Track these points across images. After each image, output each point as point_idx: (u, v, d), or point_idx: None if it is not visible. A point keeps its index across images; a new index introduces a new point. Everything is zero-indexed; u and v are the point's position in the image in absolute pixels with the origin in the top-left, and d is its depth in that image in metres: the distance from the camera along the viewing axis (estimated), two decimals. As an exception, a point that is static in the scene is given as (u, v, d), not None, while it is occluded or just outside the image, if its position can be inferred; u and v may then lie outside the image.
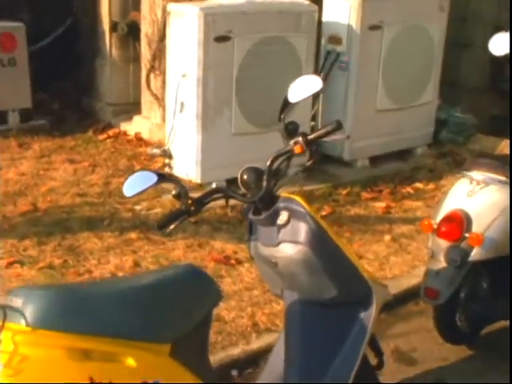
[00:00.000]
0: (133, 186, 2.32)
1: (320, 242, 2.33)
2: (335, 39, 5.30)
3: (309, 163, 2.45)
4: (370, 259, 4.04)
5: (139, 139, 5.93)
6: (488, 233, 2.95)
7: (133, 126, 6.09)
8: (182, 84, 4.64)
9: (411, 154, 5.88)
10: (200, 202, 2.33)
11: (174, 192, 2.35)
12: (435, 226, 3.05)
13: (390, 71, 5.42)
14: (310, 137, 2.36)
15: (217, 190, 2.43)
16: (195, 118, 4.61)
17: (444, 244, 3.00)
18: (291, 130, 2.41)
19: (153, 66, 5.81)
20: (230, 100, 4.65)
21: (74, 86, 6.58)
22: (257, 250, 2.43)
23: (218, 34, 4.48)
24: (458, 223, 2.97)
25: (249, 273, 3.76)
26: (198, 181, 4.74)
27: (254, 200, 2.37)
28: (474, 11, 7.06)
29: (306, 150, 2.36)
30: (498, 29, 7.25)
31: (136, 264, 3.75)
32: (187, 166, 4.78)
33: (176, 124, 4.76)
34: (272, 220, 2.35)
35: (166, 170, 4.95)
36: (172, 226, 2.31)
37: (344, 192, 5.05)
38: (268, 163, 2.39)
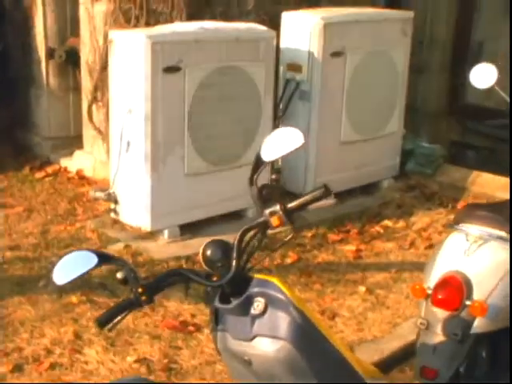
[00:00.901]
0: (66, 269, 1.83)
1: (305, 338, 1.87)
2: (295, 67, 4.87)
3: (287, 238, 1.98)
4: (345, 317, 3.59)
5: (82, 177, 5.39)
6: (491, 300, 2.52)
7: (74, 162, 5.54)
8: (127, 120, 4.13)
9: (377, 188, 5.48)
10: (153, 290, 1.85)
11: (119, 275, 1.86)
12: (429, 292, 2.61)
13: (354, 100, 5.03)
14: (291, 205, 1.90)
15: (174, 272, 1.95)
16: (143, 159, 4.10)
17: (441, 314, 2.56)
18: (266, 196, 1.94)
19: (95, 98, 5.29)
20: (181, 137, 4.16)
21: (7, 117, 5.97)
22: (225, 343, 1.95)
23: (168, 64, 4.00)
24: (457, 289, 2.54)
25: (210, 342, 3.25)
26: (148, 228, 4.22)
27: (220, 284, 1.90)
28: (431, 34, 6.76)
29: (286, 223, 1.89)
30: (456, 52, 7.13)
31: (77, 336, 3.21)
32: (135, 212, 4.26)
33: (122, 165, 4.24)
34: (244, 309, 1.89)
35: (112, 215, 4.42)
36: (116, 320, 1.82)
37: (309, 234, 4.60)
38: (237, 238, 1.92)
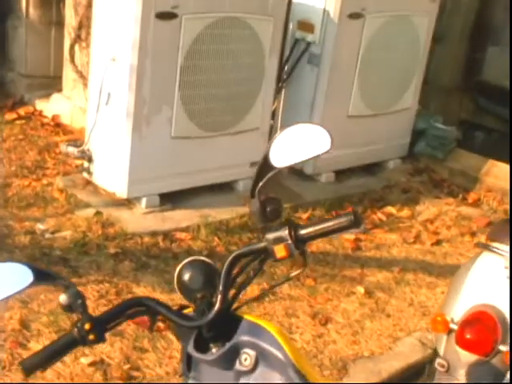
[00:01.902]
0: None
1: (307, 410, 1.39)
2: (307, 25, 4.30)
3: (294, 274, 1.47)
4: (339, 324, 3.12)
5: (57, 124, 4.84)
6: (530, 345, 2.06)
7: (51, 106, 4.98)
8: (110, 69, 3.56)
9: (382, 169, 4.98)
10: (104, 326, 1.36)
11: (62, 300, 1.38)
12: (453, 327, 2.13)
13: (368, 69, 4.48)
14: (304, 232, 1.38)
15: (136, 303, 1.45)
16: (125, 115, 3.55)
17: (467, 357, 2.09)
18: (271, 214, 1.43)
19: (79, 36, 4.71)
20: (171, 95, 3.61)
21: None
22: (199, 398, 1.46)
23: (162, 9, 3.42)
24: (489, 329, 2.06)
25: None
26: (124, 195, 3.70)
27: (198, 325, 1.41)
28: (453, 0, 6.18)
29: (294, 255, 1.39)
30: (479, 21, 6.56)
31: (23, 325, 2.71)
32: (111, 175, 3.73)
33: (100, 119, 3.69)
34: (228, 361, 1.40)
35: (85, 175, 3.89)
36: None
37: (305, 216, 4.10)
38: (226, 265, 1.42)
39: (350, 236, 4.01)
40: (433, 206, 4.58)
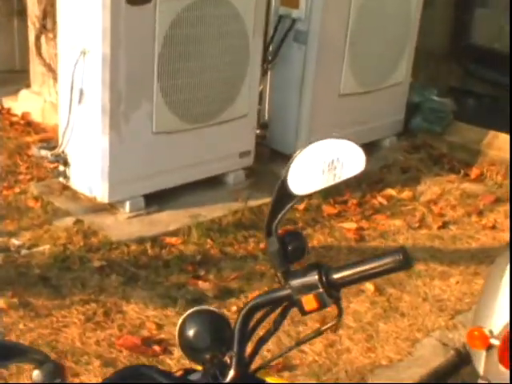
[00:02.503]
0: None
1: None
2: (291, 0, 3.97)
3: (329, 326, 1.17)
4: (351, 329, 2.85)
5: (28, 123, 4.50)
6: None
7: (20, 104, 4.64)
8: (80, 64, 3.23)
9: (378, 148, 4.69)
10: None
11: (36, 378, 1.09)
12: (494, 343, 1.87)
13: (359, 44, 4.17)
14: (338, 276, 1.09)
15: (132, 372, 1.17)
16: (100, 113, 3.23)
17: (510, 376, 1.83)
18: (292, 254, 1.14)
19: (44, 26, 4.35)
20: (149, 87, 3.29)
21: None
22: None
23: (133, -8, 3.09)
24: (537, 345, 1.80)
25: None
26: (106, 199, 3.39)
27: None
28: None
29: (326, 306, 1.10)
30: None
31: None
32: (90, 179, 3.41)
33: (73, 119, 3.37)
34: None
35: (61, 180, 3.57)
36: None
37: (301, 206, 3.82)
38: (241, 316, 1.14)
39: (351, 225, 3.75)
40: (434, 184, 4.31)
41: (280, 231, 1.14)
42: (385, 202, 4.07)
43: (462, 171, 4.50)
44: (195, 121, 3.53)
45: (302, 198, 1.13)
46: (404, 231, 3.76)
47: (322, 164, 1.10)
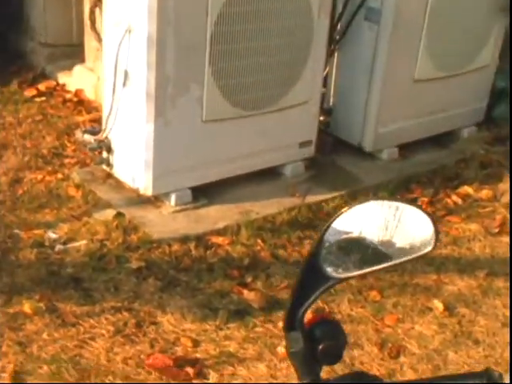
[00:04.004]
0: None
1: None
2: (363, -26, 3.56)
3: None
4: (414, 356, 2.49)
5: (80, 101, 4.27)
6: None
7: (74, 80, 4.42)
8: (125, 43, 2.94)
9: (454, 139, 4.25)
10: None
11: None
12: None
13: (439, 23, 3.71)
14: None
15: None
16: (145, 98, 2.94)
17: None
18: (323, 356, 0.81)
19: (98, -1, 4.07)
20: (200, 70, 2.97)
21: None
22: None
23: (184, -36, 2.76)
24: None
25: (216, 397, 2.21)
26: (149, 192, 3.11)
27: None
28: None
29: None
30: None
31: (17, 378, 2.17)
32: (133, 168, 3.14)
33: (117, 103, 3.09)
34: None
35: (104, 167, 3.31)
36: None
37: (365, 204, 3.45)
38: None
39: (420, 228, 3.36)
40: (518, 183, 3.85)
41: (306, 320, 0.81)
42: (460, 202, 3.65)
43: (550, 168, 4.02)
44: (250, 107, 3.20)
45: (339, 281, 0.79)
46: (481, 237, 3.34)
47: (372, 236, 0.76)
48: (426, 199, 3.61)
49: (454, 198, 3.68)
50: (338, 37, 3.68)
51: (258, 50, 3.09)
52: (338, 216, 0.79)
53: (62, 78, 4.49)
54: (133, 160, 3.11)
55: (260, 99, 3.22)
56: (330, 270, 0.78)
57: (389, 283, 2.89)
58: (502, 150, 4.20)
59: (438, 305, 2.76)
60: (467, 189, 3.78)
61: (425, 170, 3.87)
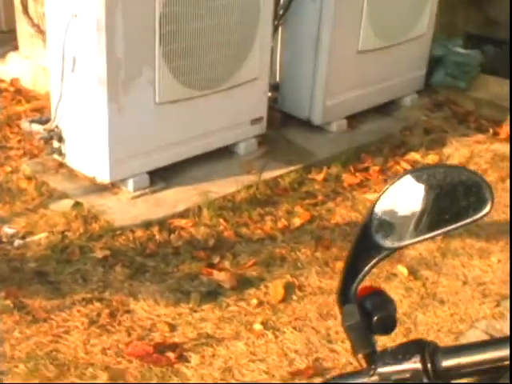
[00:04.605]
0: None
1: None
2: None
3: None
4: (386, 322, 2.56)
5: (18, 90, 4.14)
6: None
7: (8, 69, 4.28)
8: (72, 28, 2.85)
9: (398, 107, 4.34)
10: None
11: None
12: None
13: (379, -6, 3.77)
14: (450, 364, 0.76)
15: None
16: (97, 83, 2.87)
17: None
18: (378, 326, 0.81)
19: (30, -17, 3.94)
20: (151, 53, 2.92)
21: None
22: None
23: None
24: None
25: (199, 378, 2.21)
26: (107, 179, 3.05)
27: None
28: None
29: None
30: None
31: (-3, 378, 2.13)
32: (88, 156, 3.07)
33: (66, 90, 3.01)
34: None
35: (56, 157, 3.23)
36: None
37: (320, 177, 3.50)
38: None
39: (375, 196, 3.42)
40: (462, 146, 3.97)
41: (359, 292, 0.82)
42: (409, 168, 3.74)
43: (491, 130, 4.16)
44: (202, 87, 3.17)
45: (391, 251, 0.80)
46: (433, 201, 3.44)
47: (427, 202, 0.77)
48: (376, 168, 3.68)
49: (404, 164, 3.76)
50: (281, 11, 3.68)
51: (206, 30, 3.06)
52: (388, 188, 0.80)
53: (-4, 67, 4.34)
54: (87, 148, 3.05)
55: (211, 78, 3.20)
56: (382, 240, 0.79)
57: (352, 253, 2.94)
58: (443, 115, 4.32)
59: (402, 270, 2.83)
60: (414, 155, 3.87)
61: (373, 139, 3.94)
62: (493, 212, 2.95)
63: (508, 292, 2.75)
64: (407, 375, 0.76)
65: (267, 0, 3.30)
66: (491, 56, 5.51)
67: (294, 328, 2.47)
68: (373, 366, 0.79)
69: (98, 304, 2.46)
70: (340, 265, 2.86)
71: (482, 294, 2.74)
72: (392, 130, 4.08)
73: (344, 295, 0.81)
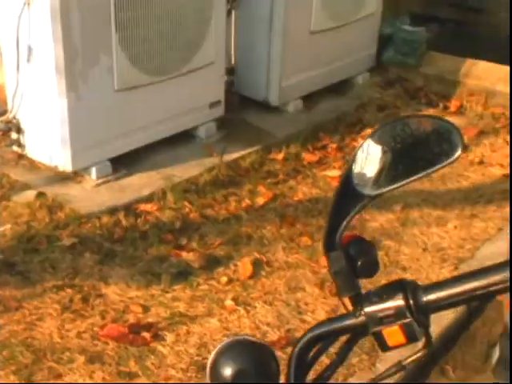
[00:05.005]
0: None
1: None
2: None
3: (414, 358, 0.91)
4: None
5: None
6: None
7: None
8: (24, 16, 2.84)
9: (351, 85, 4.43)
10: None
11: None
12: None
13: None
14: (430, 298, 0.83)
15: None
16: (55, 72, 2.87)
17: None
18: (362, 270, 0.88)
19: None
20: (107, 39, 2.93)
21: None
22: None
23: None
24: None
25: (176, 355, 2.25)
26: (69, 167, 3.06)
27: None
28: None
29: (416, 339, 0.84)
30: None
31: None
32: (49, 146, 3.07)
33: (23, 80, 3.00)
34: None
35: (15, 149, 3.22)
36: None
37: (280, 156, 3.56)
38: (297, 349, 0.88)
39: (334, 173, 3.51)
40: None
41: (343, 240, 0.88)
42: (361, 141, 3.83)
43: (441, 104, 4.29)
44: (160, 73, 3.20)
45: (372, 198, 0.86)
46: (389, 175, 3.54)
47: (402, 151, 0.83)
48: (334, 145, 3.76)
49: (360, 140, 3.84)
50: (233, -4, 3.72)
51: (161, 16, 3.08)
52: (369, 137, 0.86)
53: None
54: (48, 138, 3.04)
55: (168, 64, 3.22)
56: (363, 189, 0.85)
57: (316, 227, 3.02)
58: (395, 92, 4.42)
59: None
60: (370, 131, 3.94)
61: (329, 118, 4.01)
62: (447, 181, 3.09)
63: (465, 255, 2.87)
64: (391, 312, 0.82)
65: (219, -17, 3.33)
66: (436, 34, 5.65)
67: (265, 302, 2.53)
68: (359, 307, 0.85)
69: (69, 290, 2.47)
70: (305, 240, 2.94)
71: (441, 259, 2.85)
72: (347, 109, 4.16)
73: (329, 243, 0.87)
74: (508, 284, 0.78)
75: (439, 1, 5.70)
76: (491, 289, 0.79)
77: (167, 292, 2.54)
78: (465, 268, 2.82)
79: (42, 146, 3.09)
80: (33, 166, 3.17)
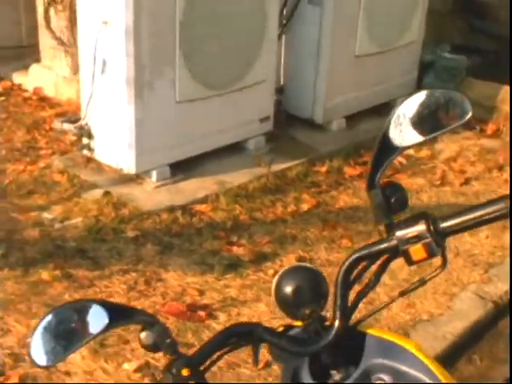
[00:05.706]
0: (53, 339, 1.02)
1: None
2: (304, -38, 3.94)
3: (434, 274, 1.18)
4: (388, 286, 2.88)
5: (41, 98, 4.46)
6: None
7: (31, 79, 4.60)
8: (102, 35, 3.20)
9: (391, 108, 4.64)
10: (203, 368, 1.08)
11: (145, 338, 1.07)
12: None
13: (373, 4, 4.14)
14: (445, 225, 1.10)
15: (234, 332, 1.17)
16: (124, 83, 3.21)
17: None
18: (395, 205, 1.15)
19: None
20: (172, 55, 3.27)
21: None
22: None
23: (153, -41, 3.06)
24: None
25: (228, 332, 2.52)
26: (133, 170, 3.39)
27: (317, 350, 1.14)
28: None
29: (434, 255, 1.12)
30: None
31: None
32: (115, 150, 3.41)
33: (96, 90, 3.35)
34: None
35: (85, 153, 3.56)
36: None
37: (323, 169, 3.84)
38: (343, 269, 1.14)
39: (374, 186, 3.76)
40: (452, 142, 4.33)
41: (381, 183, 1.15)
42: (404, 162, 4.08)
43: (478, 127, 4.52)
44: (217, 88, 3.52)
45: (403, 149, 1.13)
46: (427, 189, 3.79)
47: (422, 114, 1.11)
48: (374, 162, 4.01)
49: (399, 158, 4.10)
50: (284, 21, 4.04)
51: (220, 35, 3.41)
52: (402, 102, 1.13)
53: (17, 78, 4.66)
54: (115, 143, 3.38)
55: (225, 80, 3.55)
56: (395, 141, 1.12)
57: (356, 232, 3.28)
58: (434, 115, 4.67)
59: (401, 245, 3.16)
60: (408, 151, 4.21)
61: (370, 137, 4.26)
62: (481, 196, 3.32)
63: (495, 261, 3.09)
64: (416, 234, 1.09)
65: (273, 9, 3.66)
66: (476, 63, 5.91)
67: (308, 292, 2.78)
68: (391, 233, 1.12)
69: (133, 274, 2.78)
70: (346, 242, 3.20)
71: (472, 264, 3.08)
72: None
73: (371, 183, 1.14)
74: (506, 210, 1.05)
75: (479, 32, 5.97)
76: (492, 215, 1.06)
77: (220, 280, 2.82)
78: (494, 272, 3.05)
79: (109, 150, 3.43)
80: (100, 168, 3.50)
